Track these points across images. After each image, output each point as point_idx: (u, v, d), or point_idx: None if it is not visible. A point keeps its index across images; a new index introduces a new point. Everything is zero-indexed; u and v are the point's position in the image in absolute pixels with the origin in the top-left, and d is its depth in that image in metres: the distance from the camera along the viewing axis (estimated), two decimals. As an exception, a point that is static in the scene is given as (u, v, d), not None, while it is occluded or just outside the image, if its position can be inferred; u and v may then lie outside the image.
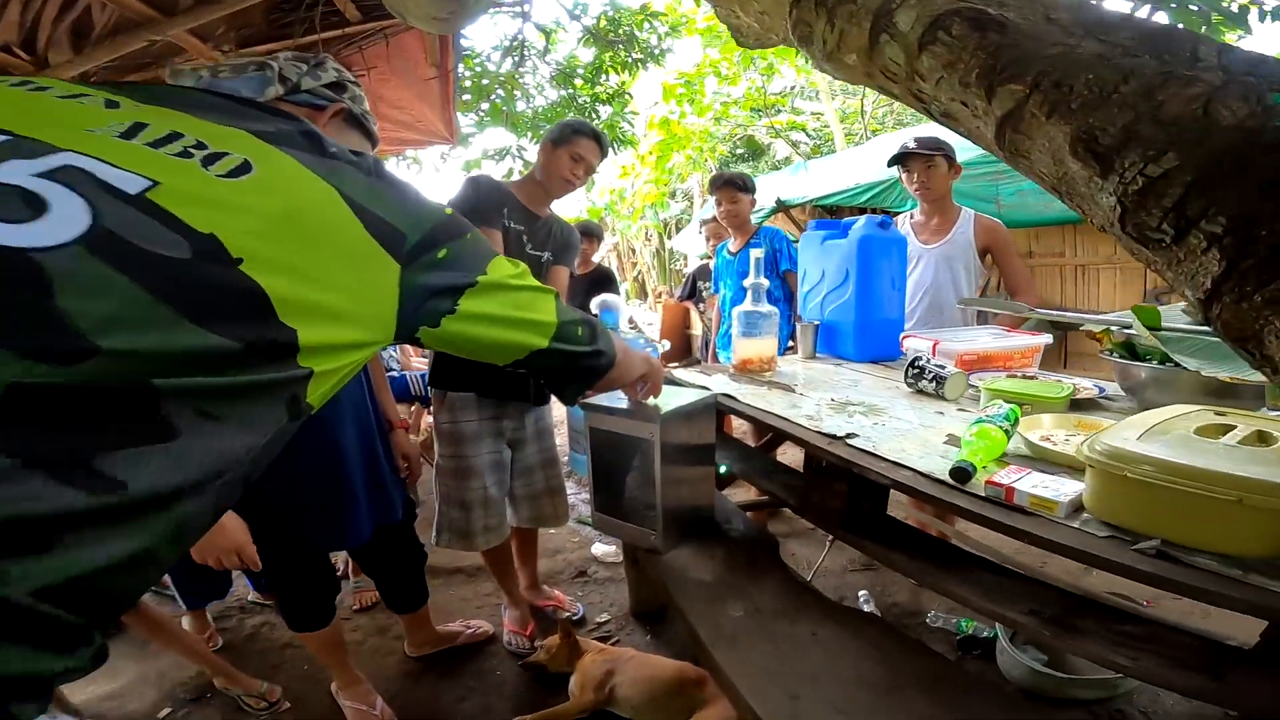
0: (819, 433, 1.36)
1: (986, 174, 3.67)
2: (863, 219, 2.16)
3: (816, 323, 2.26)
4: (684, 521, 1.58)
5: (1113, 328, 1.60)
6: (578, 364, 0.95)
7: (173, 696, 1.97)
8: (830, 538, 2.60)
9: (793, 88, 11.24)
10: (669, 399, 1.48)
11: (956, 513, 1.02)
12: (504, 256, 0.83)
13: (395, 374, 3.58)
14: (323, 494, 1.59)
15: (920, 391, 1.70)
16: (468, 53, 4.95)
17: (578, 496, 3.52)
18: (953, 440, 1.29)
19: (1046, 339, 1.98)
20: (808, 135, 11.09)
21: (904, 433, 1.36)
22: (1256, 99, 0.54)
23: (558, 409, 2.23)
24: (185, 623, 2.21)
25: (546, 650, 1.93)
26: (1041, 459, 1.15)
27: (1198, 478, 0.82)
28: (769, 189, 5.45)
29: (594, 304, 2.00)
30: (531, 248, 1.94)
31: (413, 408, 3.57)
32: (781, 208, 5.50)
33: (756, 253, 2.00)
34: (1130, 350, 1.54)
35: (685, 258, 10.30)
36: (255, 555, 1.41)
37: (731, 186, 2.92)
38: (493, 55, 5.24)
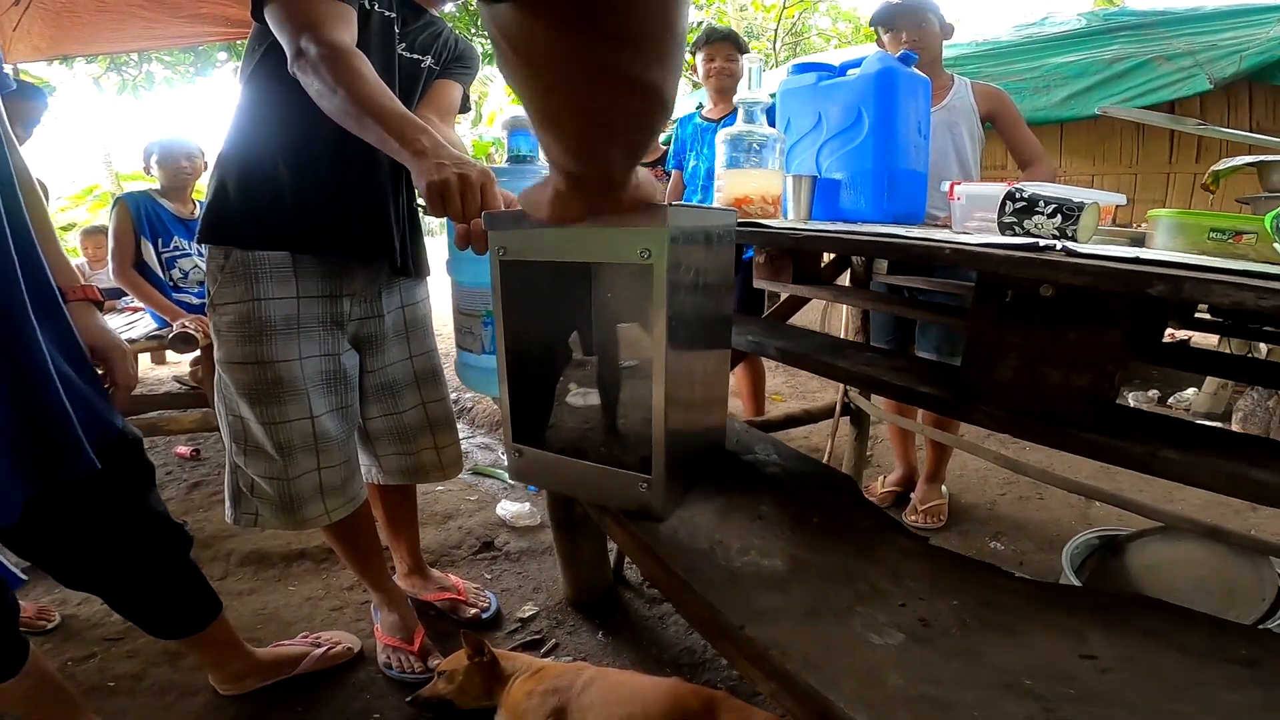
0: (1004, 246, 0.71)
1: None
2: (874, 53, 1.60)
3: (814, 175, 1.63)
4: (693, 453, 0.90)
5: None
6: None
7: None
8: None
9: (700, 24, 10.72)
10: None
11: None
12: None
13: (203, 293, 2.63)
14: None
15: (1028, 234, 1.11)
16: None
17: (469, 440, 2.73)
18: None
19: (1121, 199, 1.52)
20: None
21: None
22: None
23: (438, 282, 1.42)
24: None
25: (450, 677, 1.24)
26: None
27: None
28: (690, 100, 4.97)
29: (502, 121, 1.26)
30: (405, 48, 1.25)
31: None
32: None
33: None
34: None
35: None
36: None
37: (730, 43, 2.48)
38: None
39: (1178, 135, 3.00)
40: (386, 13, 1.19)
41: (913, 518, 2.06)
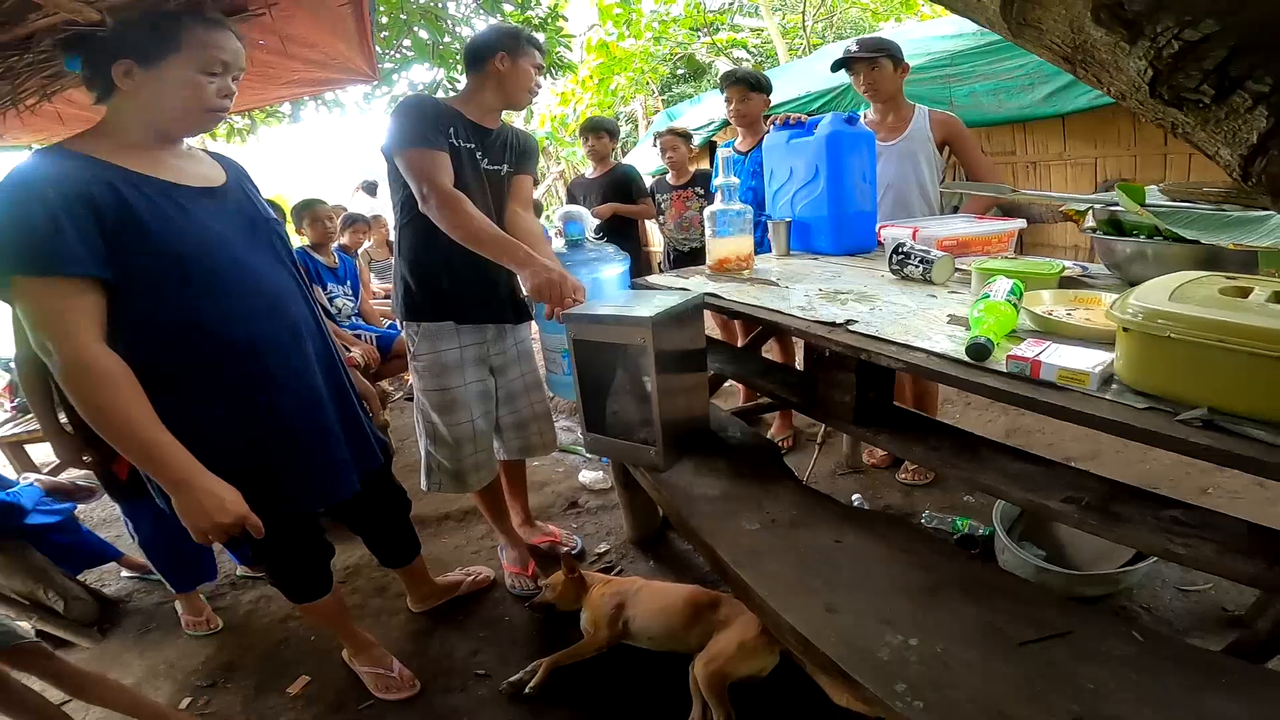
0: (817, 321, 1.29)
1: (938, 77, 3.61)
2: (828, 116, 2.09)
3: (788, 220, 2.18)
4: (683, 433, 1.53)
5: (1095, 206, 1.55)
6: None
7: (189, 685, 1.88)
8: (819, 442, 2.62)
9: (731, 4, 10.76)
10: (645, 304, 1.39)
11: (978, 392, 0.97)
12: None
13: (353, 326, 3.41)
14: (305, 445, 1.39)
15: (906, 277, 1.64)
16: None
17: (557, 425, 3.46)
18: (957, 320, 1.24)
19: (1021, 223, 1.94)
20: (749, 52, 10.63)
21: (903, 317, 1.30)
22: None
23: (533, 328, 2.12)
24: (178, 606, 2.15)
25: (552, 589, 1.87)
26: (1051, 333, 1.11)
27: (1252, 335, 0.76)
28: (716, 106, 5.28)
29: (558, 215, 1.88)
30: (489, 163, 1.80)
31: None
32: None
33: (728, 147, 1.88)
34: (1117, 227, 1.50)
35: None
36: (259, 522, 1.26)
37: (742, 84, 2.77)
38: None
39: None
40: (467, 144, 1.71)
41: (904, 475, 2.50)
